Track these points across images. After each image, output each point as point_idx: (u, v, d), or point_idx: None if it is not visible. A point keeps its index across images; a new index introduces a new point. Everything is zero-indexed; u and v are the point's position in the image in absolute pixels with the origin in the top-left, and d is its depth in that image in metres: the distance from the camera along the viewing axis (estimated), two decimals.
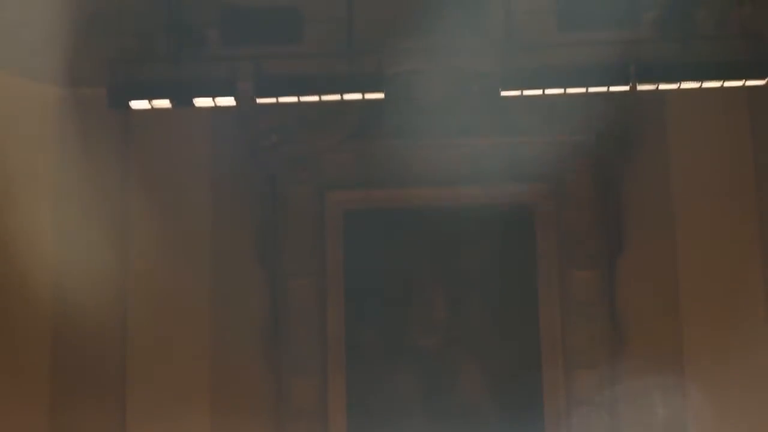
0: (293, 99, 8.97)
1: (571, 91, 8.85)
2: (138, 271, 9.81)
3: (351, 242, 10.01)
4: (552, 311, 9.76)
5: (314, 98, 8.94)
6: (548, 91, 8.87)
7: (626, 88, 8.78)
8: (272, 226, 9.94)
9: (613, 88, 8.80)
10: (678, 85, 8.77)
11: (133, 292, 9.79)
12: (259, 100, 8.94)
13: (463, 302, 9.87)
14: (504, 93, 8.85)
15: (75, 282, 9.51)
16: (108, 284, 9.68)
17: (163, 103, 8.99)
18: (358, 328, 9.90)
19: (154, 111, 9.02)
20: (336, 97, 8.91)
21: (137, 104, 9.01)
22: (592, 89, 8.83)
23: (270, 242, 9.92)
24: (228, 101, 8.95)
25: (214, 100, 8.95)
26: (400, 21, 9.41)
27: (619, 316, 9.68)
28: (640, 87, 8.77)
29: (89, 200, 9.79)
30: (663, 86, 8.79)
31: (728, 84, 8.78)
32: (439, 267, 9.89)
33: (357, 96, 8.90)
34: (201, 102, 8.97)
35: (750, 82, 8.77)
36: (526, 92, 8.87)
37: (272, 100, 8.97)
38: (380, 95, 8.90)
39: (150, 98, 8.97)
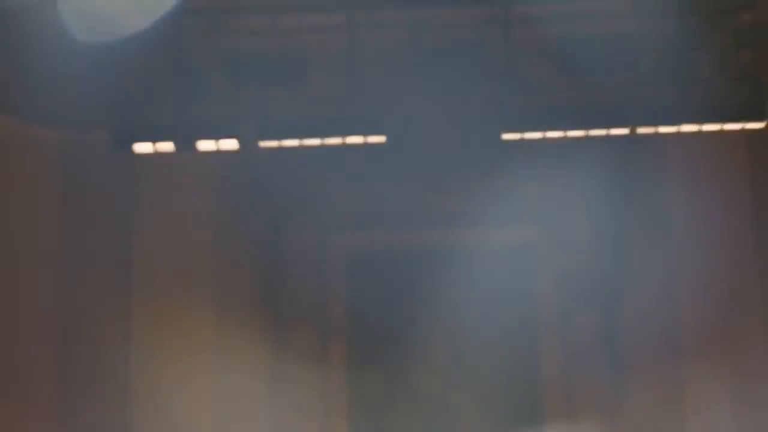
0: (295, 142, 9.00)
1: (571, 134, 8.90)
2: (141, 315, 9.81)
3: (353, 285, 10.03)
4: (553, 353, 9.76)
5: (316, 141, 8.98)
6: (549, 134, 8.91)
7: (626, 131, 8.83)
8: (274, 269, 9.95)
9: (613, 131, 8.84)
10: (677, 128, 8.82)
11: (136, 333, 9.78)
12: (262, 144, 8.98)
13: (464, 345, 9.87)
14: (505, 136, 8.90)
15: (79, 323, 9.52)
16: (111, 325, 9.69)
17: (167, 146, 9.02)
18: (360, 371, 9.89)
19: (157, 154, 9.04)
20: (338, 140, 8.95)
21: (141, 147, 9.04)
22: (592, 132, 8.88)
23: (272, 285, 9.92)
24: (231, 144, 8.99)
25: (217, 144, 8.99)
26: (402, 65, 9.47)
27: (619, 358, 9.68)
28: (640, 130, 8.82)
29: (92, 243, 9.81)
30: (663, 129, 8.83)
31: (728, 127, 8.83)
32: (440, 310, 9.90)
33: (359, 139, 8.94)
34: (204, 145, 9.00)
35: (749, 125, 8.82)
36: (527, 135, 8.92)
37: (275, 143, 9.00)
38: (382, 138, 8.95)
39: (153, 141, 9.00)
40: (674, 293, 9.77)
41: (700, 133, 8.89)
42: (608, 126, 8.83)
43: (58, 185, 9.97)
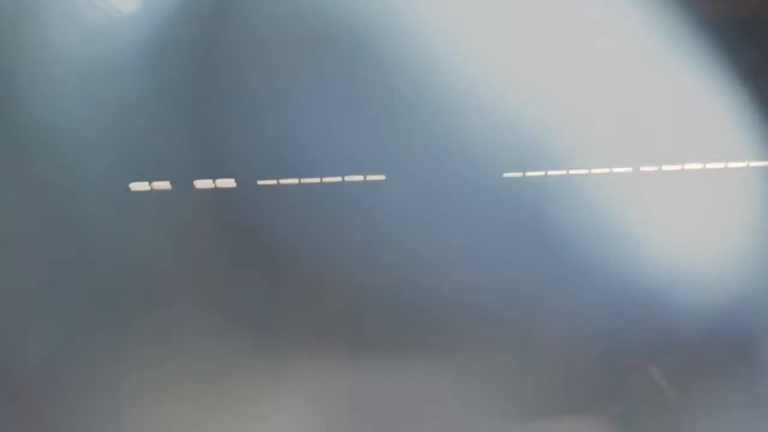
0: (294, 180, 8.94)
1: (573, 171, 8.83)
2: (137, 347, 9.80)
3: (352, 324, 9.99)
4: (553, 387, 9.77)
5: (316, 180, 8.92)
6: (550, 172, 8.84)
7: (629, 168, 8.75)
8: (273, 307, 9.91)
9: (616, 169, 8.77)
10: (681, 166, 8.74)
11: (133, 362, 9.77)
12: (260, 182, 8.91)
13: (465, 384, 9.87)
14: (506, 175, 8.82)
15: (71, 368, 9.53)
16: (106, 355, 9.69)
17: (163, 185, 8.95)
18: (361, 410, 9.90)
19: (153, 191, 8.98)
20: (338, 178, 8.88)
21: (137, 186, 8.97)
22: (594, 170, 8.81)
23: (271, 323, 9.90)
24: (228, 183, 8.92)
25: (214, 182, 8.92)
26: (401, 102, 9.35)
27: (619, 367, 9.67)
28: (643, 168, 8.75)
29: (89, 278, 9.76)
30: (666, 167, 8.76)
31: (732, 165, 8.75)
32: (443, 348, 9.88)
33: (358, 178, 8.87)
34: (201, 183, 8.93)
35: (755, 163, 8.75)
36: (529, 173, 8.85)
37: (273, 181, 8.94)
38: (381, 177, 8.88)
39: (149, 180, 8.93)
40: (675, 298, 9.74)
41: (704, 169, 8.80)
42: (611, 163, 8.75)
43: (54, 220, 9.89)
